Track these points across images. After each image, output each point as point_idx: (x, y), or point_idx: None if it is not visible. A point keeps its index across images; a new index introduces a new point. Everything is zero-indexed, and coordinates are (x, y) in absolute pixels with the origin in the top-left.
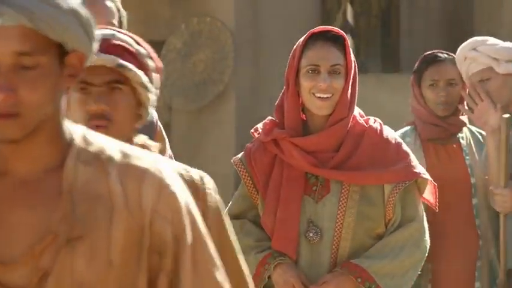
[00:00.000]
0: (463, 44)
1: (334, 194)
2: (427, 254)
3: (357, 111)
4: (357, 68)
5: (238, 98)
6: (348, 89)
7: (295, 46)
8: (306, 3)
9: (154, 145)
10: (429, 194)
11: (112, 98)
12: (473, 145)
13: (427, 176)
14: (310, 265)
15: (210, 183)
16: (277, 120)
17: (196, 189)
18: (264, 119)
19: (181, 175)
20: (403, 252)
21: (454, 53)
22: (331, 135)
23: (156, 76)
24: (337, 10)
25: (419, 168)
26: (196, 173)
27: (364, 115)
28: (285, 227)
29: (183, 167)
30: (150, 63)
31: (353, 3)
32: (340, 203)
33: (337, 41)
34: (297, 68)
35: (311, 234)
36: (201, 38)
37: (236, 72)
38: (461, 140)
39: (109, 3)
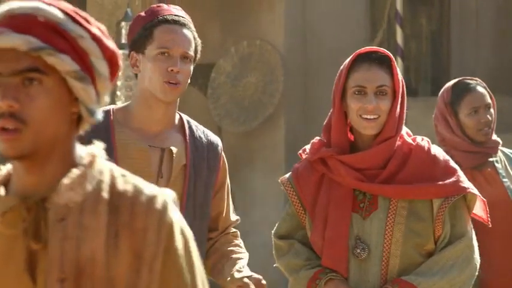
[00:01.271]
0: None
1: (382, 210)
2: (477, 273)
3: (405, 130)
4: (405, 87)
5: (288, 120)
6: (396, 109)
7: (341, 67)
8: (357, 25)
9: (102, 156)
10: (480, 211)
11: (26, 93)
12: (508, 167)
13: (475, 191)
14: (359, 282)
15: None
16: (325, 140)
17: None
18: None
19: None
20: (453, 269)
21: (508, 73)
22: (378, 153)
23: (103, 64)
24: (387, 33)
25: (468, 184)
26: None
27: (412, 134)
28: (334, 245)
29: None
30: (91, 46)
31: (403, 26)
32: (388, 219)
33: (384, 62)
34: (342, 89)
35: (358, 251)
36: (251, 61)
37: (286, 95)
38: (495, 164)
39: (186, 32)
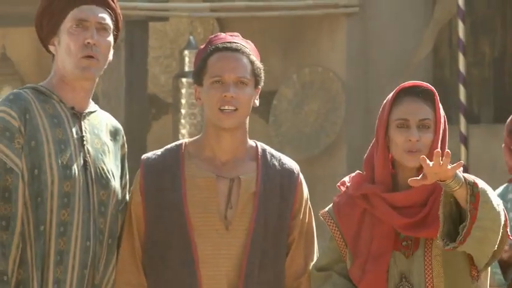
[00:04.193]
0: None
1: (421, 247)
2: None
3: None
4: (446, 124)
5: (349, 148)
6: (438, 143)
7: (384, 101)
8: (419, 53)
9: None
10: None
11: None
12: None
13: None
14: None
15: None
16: (364, 173)
17: None
18: None
19: None
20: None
21: None
22: (421, 191)
23: None
24: (449, 60)
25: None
26: None
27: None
28: (373, 278)
29: None
30: None
31: (466, 53)
32: (426, 254)
33: (428, 96)
34: (386, 122)
35: None
36: (313, 89)
37: (348, 122)
38: None
39: (239, 56)
